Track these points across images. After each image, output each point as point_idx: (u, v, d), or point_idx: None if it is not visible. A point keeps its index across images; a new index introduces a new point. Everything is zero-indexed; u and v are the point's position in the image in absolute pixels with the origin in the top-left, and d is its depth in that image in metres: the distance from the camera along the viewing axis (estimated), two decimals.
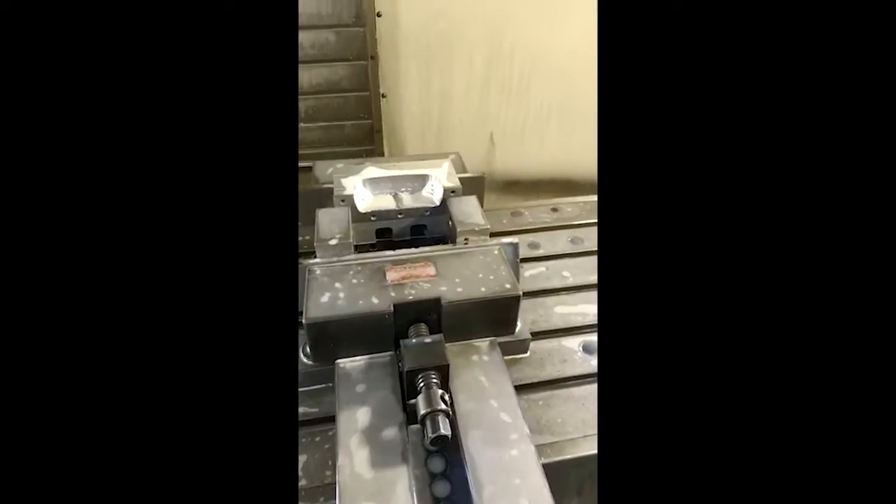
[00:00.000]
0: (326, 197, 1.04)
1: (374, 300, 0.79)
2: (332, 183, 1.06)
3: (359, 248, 0.99)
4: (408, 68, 2.05)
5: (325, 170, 1.19)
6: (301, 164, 1.31)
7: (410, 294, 0.81)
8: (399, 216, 1.05)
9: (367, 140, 2.01)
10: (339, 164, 1.13)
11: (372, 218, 1.04)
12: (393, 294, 0.80)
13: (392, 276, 0.84)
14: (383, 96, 2.00)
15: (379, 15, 1.85)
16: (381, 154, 2.04)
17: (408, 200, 1.07)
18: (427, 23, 1.96)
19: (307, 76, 1.87)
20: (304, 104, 1.92)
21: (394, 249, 0.91)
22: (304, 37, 1.80)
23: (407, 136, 2.20)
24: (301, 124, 1.93)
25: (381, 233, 1.06)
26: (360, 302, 0.79)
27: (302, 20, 1.76)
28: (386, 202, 1.06)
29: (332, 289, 0.81)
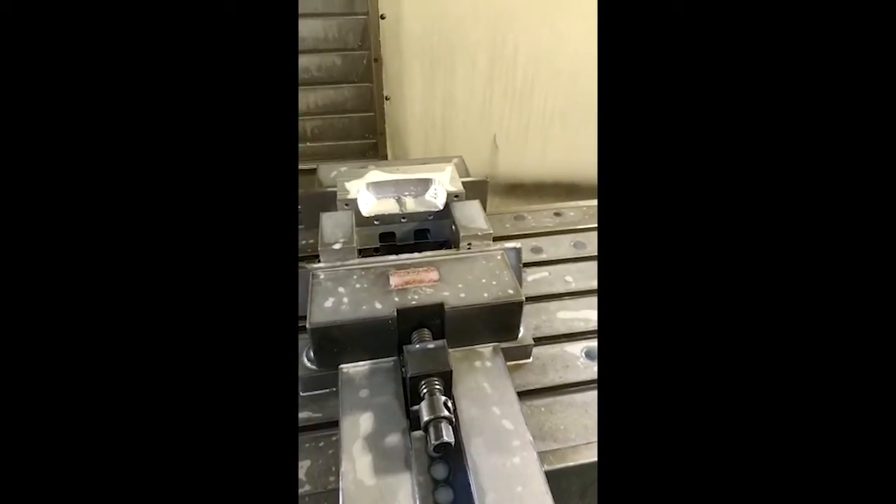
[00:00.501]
0: (330, 201, 1.04)
1: (378, 305, 0.80)
2: (335, 186, 1.06)
3: (362, 253, 0.99)
4: (411, 70, 2.05)
5: (328, 173, 1.19)
6: (304, 166, 1.32)
7: (414, 299, 0.81)
8: (402, 220, 1.06)
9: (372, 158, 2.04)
10: (343, 168, 1.12)
11: (375, 222, 1.04)
12: (396, 299, 0.80)
13: (395, 280, 0.84)
14: (387, 99, 2.00)
15: (383, 17, 1.85)
16: (385, 157, 2.05)
17: (411, 204, 1.07)
18: (430, 25, 1.97)
19: (313, 97, 1.91)
20: (310, 124, 1.95)
21: (397, 254, 0.91)
22: (310, 60, 1.84)
23: (410, 138, 2.20)
24: (307, 143, 1.96)
25: (384, 237, 1.06)
26: (364, 307, 0.79)
27: (308, 44, 1.80)
28: (389, 206, 1.06)
29: (335, 293, 0.82)
